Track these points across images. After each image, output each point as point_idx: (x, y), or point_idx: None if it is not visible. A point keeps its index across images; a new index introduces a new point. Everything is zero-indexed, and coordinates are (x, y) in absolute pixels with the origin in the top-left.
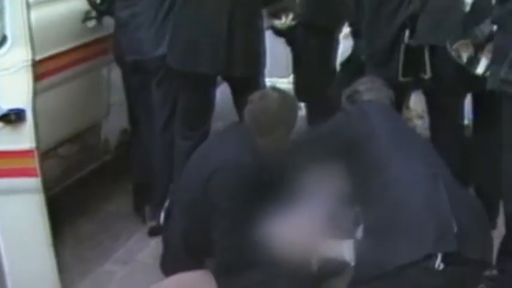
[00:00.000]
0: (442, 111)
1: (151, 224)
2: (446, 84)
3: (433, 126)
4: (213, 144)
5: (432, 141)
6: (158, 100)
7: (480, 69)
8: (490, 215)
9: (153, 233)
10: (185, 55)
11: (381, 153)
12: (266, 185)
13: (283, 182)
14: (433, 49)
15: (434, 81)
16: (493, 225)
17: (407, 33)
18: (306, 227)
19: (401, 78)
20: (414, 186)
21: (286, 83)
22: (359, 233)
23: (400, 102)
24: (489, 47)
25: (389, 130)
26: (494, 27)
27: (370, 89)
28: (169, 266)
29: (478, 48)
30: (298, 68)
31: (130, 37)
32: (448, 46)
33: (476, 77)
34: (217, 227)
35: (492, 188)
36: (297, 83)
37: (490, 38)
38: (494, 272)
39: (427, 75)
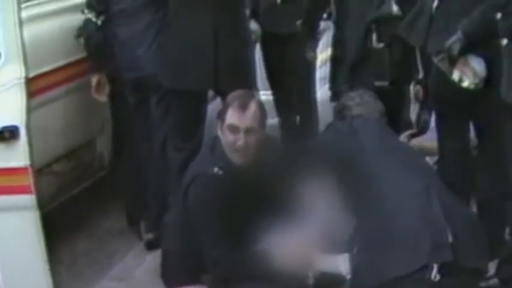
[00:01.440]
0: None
1: (148, 237)
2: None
3: (439, 138)
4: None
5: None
6: (157, 118)
7: (466, 83)
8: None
9: (150, 246)
10: (174, 72)
11: (371, 170)
12: (253, 198)
13: (274, 195)
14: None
15: (428, 79)
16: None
17: (374, 36)
18: (301, 240)
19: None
20: (407, 198)
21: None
22: (355, 247)
23: (395, 111)
24: (462, 60)
25: (378, 147)
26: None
27: (359, 104)
28: (169, 279)
29: (453, 62)
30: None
31: (131, 54)
32: (434, 59)
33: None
34: (202, 241)
35: (496, 202)
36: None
37: (461, 51)
38: (495, 280)
39: (420, 74)
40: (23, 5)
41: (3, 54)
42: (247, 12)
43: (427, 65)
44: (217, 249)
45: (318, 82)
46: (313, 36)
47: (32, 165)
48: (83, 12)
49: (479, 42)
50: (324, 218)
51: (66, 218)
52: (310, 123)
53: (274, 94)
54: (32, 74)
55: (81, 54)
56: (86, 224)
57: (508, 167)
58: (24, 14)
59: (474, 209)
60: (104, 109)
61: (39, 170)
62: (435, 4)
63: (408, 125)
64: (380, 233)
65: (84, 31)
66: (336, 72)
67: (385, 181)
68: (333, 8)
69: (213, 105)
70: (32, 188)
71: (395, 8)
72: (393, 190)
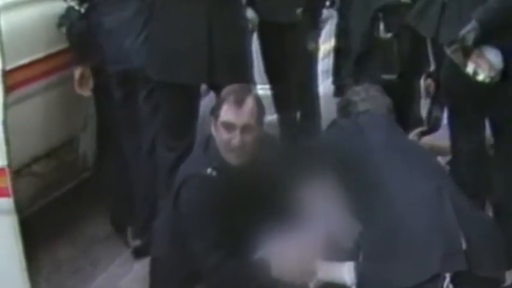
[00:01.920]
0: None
1: (135, 243)
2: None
3: (452, 136)
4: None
5: (452, 152)
6: (146, 114)
7: (481, 76)
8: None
9: (137, 253)
10: (164, 65)
11: (378, 171)
12: (250, 201)
13: (272, 198)
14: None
15: (440, 72)
16: None
17: (381, 25)
18: (302, 247)
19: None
20: (417, 202)
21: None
22: (360, 254)
23: (404, 107)
24: (477, 52)
25: (386, 146)
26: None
27: (364, 99)
28: None
29: (467, 53)
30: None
31: (117, 45)
32: (446, 51)
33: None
34: (195, 248)
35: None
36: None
37: (476, 42)
38: None
39: (431, 67)
40: None
41: None
42: None
43: (439, 56)
44: (212, 257)
45: (320, 75)
46: (315, 26)
47: (9, 165)
48: None
49: (495, 32)
50: (327, 223)
51: (47, 223)
52: (311, 120)
53: (272, 88)
54: (9, 67)
55: (63, 45)
56: (68, 230)
57: None
58: (1, 1)
59: (490, 213)
60: (88, 105)
61: (18, 171)
62: None
63: (418, 121)
64: (388, 239)
65: (66, 19)
66: (339, 65)
67: (393, 183)
68: None
69: (207, 101)
70: (10, 190)
71: None
72: (402, 193)
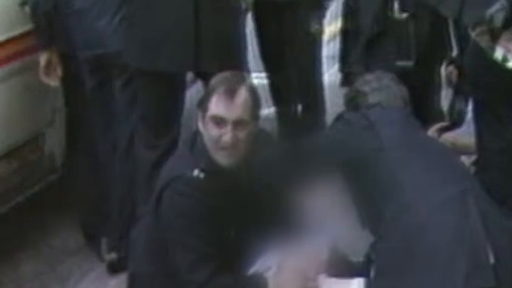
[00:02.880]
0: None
1: (110, 257)
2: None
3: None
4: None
5: (478, 152)
6: (123, 107)
7: (511, 63)
8: None
9: (113, 268)
10: (143, 50)
11: (392, 173)
12: (244, 208)
13: (269, 204)
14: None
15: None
16: None
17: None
18: (305, 260)
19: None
20: (437, 209)
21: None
22: (372, 269)
23: (422, 99)
24: (507, 35)
25: (401, 144)
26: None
27: (376, 90)
28: None
29: (495, 37)
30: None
31: (89, 27)
32: (471, 33)
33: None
34: (179, 262)
35: None
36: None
37: (505, 23)
38: None
39: (454, 52)
40: None
41: None
42: None
43: (463, 40)
44: (199, 272)
45: (324, 62)
46: (319, 4)
47: None
48: None
49: None
50: (332, 233)
51: (8, 233)
52: (314, 114)
53: (269, 77)
54: None
55: (27, 27)
56: (32, 241)
57: None
58: None
59: None
60: (55, 96)
61: None
62: None
63: (439, 115)
64: (403, 252)
65: None
66: (347, 50)
67: (410, 187)
68: None
69: (193, 91)
70: None
71: None
72: (420, 198)
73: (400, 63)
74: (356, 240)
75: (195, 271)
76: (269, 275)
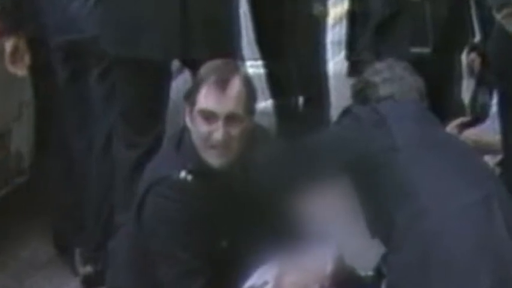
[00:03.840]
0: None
1: (86, 270)
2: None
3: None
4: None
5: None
6: (100, 100)
7: None
8: None
9: (88, 283)
10: (123, 35)
11: (406, 175)
12: (237, 214)
13: (266, 210)
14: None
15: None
16: None
17: None
18: (308, 273)
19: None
20: (456, 215)
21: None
22: (383, 284)
23: (440, 90)
24: None
25: (417, 142)
26: None
27: (388, 80)
28: None
29: None
30: None
31: (62, 9)
32: (496, 16)
33: None
34: (164, 275)
35: None
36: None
37: None
38: None
39: (476, 37)
40: None
41: None
42: None
43: (486, 24)
44: (187, 286)
45: (329, 48)
46: None
47: None
48: None
49: None
50: (339, 243)
51: None
52: (318, 107)
53: (266, 66)
54: None
55: None
56: None
57: None
58: None
59: None
60: (23, 87)
61: None
62: None
63: (459, 109)
64: (418, 265)
65: None
66: (355, 35)
67: (426, 191)
68: None
69: (180, 82)
70: None
71: None
72: (437, 203)
73: (415, 50)
74: (365, 251)
75: (181, 285)
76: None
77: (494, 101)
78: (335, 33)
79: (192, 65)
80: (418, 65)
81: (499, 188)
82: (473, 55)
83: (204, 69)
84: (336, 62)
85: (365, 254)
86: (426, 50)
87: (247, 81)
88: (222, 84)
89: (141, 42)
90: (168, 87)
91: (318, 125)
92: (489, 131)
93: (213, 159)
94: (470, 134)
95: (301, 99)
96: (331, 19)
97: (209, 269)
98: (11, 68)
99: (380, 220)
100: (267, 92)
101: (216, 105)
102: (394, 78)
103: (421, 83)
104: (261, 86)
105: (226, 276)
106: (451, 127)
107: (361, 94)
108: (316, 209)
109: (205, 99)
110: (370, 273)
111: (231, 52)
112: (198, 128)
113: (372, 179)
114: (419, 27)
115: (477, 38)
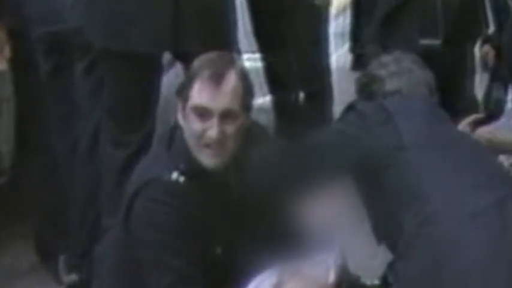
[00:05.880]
0: None
1: (70, 279)
2: None
3: None
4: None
5: None
6: (85, 96)
7: None
8: None
9: None
10: (110, 26)
11: (415, 176)
12: (233, 219)
13: (264, 214)
14: None
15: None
16: None
17: None
18: (309, 282)
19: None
20: (469, 220)
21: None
22: None
23: (451, 85)
24: None
25: (426, 140)
26: None
27: (395, 74)
28: None
29: None
30: None
31: None
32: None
33: None
34: (153, 284)
35: None
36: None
37: None
38: None
39: (490, 28)
40: None
41: None
42: None
43: (501, 14)
44: None
45: (332, 40)
46: None
47: None
48: None
49: None
50: (342, 250)
51: None
52: (320, 103)
53: (264, 59)
54: None
55: None
56: None
57: None
58: None
59: None
60: (3, 82)
61: None
62: None
63: (472, 106)
64: (428, 273)
65: None
66: (360, 26)
67: (436, 193)
68: None
69: (171, 76)
70: None
71: None
72: (448, 206)
73: (425, 41)
74: (370, 259)
75: None
76: None
77: (510, 96)
78: (338, 24)
79: (185, 58)
80: (428, 57)
81: None
82: (486, 47)
83: (197, 63)
84: (339, 55)
85: (370, 262)
86: (436, 42)
87: (244, 76)
88: (217, 78)
89: (129, 34)
90: (159, 82)
91: (320, 122)
92: (504, 128)
93: (207, 159)
94: (484, 132)
95: (301, 95)
96: (334, 9)
97: (203, 277)
98: None
99: (386, 225)
100: (265, 87)
101: (210, 101)
102: (401, 72)
103: (431, 77)
104: (259, 80)
105: (221, 284)
106: (463, 125)
107: (366, 89)
108: (318, 213)
109: (199, 94)
110: (376, 282)
111: (226, 44)
112: (191, 126)
113: (378, 181)
114: (429, 17)
115: (491, 29)
